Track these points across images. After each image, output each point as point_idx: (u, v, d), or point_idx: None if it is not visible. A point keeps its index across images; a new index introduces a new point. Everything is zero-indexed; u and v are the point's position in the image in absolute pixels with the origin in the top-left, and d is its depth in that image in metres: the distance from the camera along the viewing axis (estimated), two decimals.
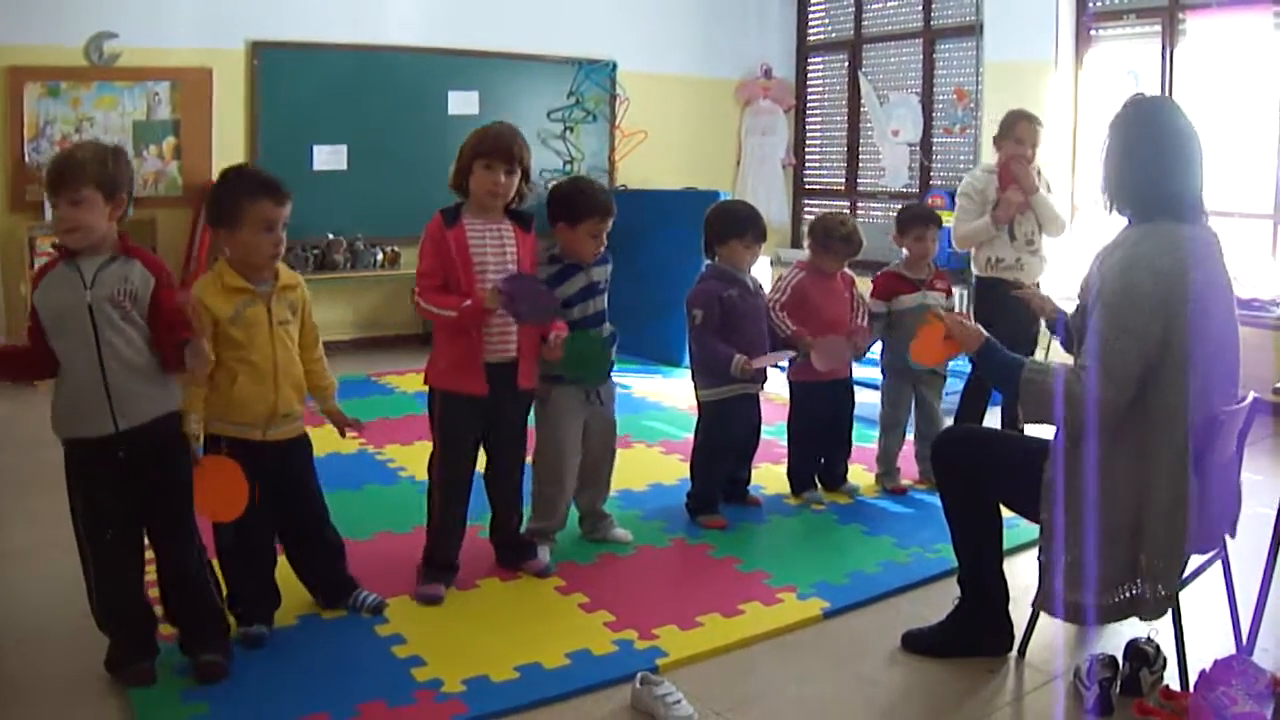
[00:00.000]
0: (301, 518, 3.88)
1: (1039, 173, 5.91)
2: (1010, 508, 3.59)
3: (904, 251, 5.54)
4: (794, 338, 5.08)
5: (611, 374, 4.60)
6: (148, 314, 3.33)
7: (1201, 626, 3.69)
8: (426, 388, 4.23)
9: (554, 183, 4.55)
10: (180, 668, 3.49)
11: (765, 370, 4.96)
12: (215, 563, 3.68)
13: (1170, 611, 3.26)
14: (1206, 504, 3.25)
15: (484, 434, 4.24)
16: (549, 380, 4.39)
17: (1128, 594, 3.24)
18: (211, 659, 3.46)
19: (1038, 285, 5.64)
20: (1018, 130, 5.84)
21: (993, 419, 6.04)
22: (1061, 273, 6.24)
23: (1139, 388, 3.17)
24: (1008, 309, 5.43)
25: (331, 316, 9.15)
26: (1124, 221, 3.36)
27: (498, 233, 4.12)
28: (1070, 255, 6.06)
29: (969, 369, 5.75)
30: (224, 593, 3.69)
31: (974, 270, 6.11)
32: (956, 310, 5.61)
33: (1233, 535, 3.56)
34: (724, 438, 5.04)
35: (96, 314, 3.23)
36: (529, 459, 4.48)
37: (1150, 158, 3.30)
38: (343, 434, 3.97)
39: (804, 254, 5.57)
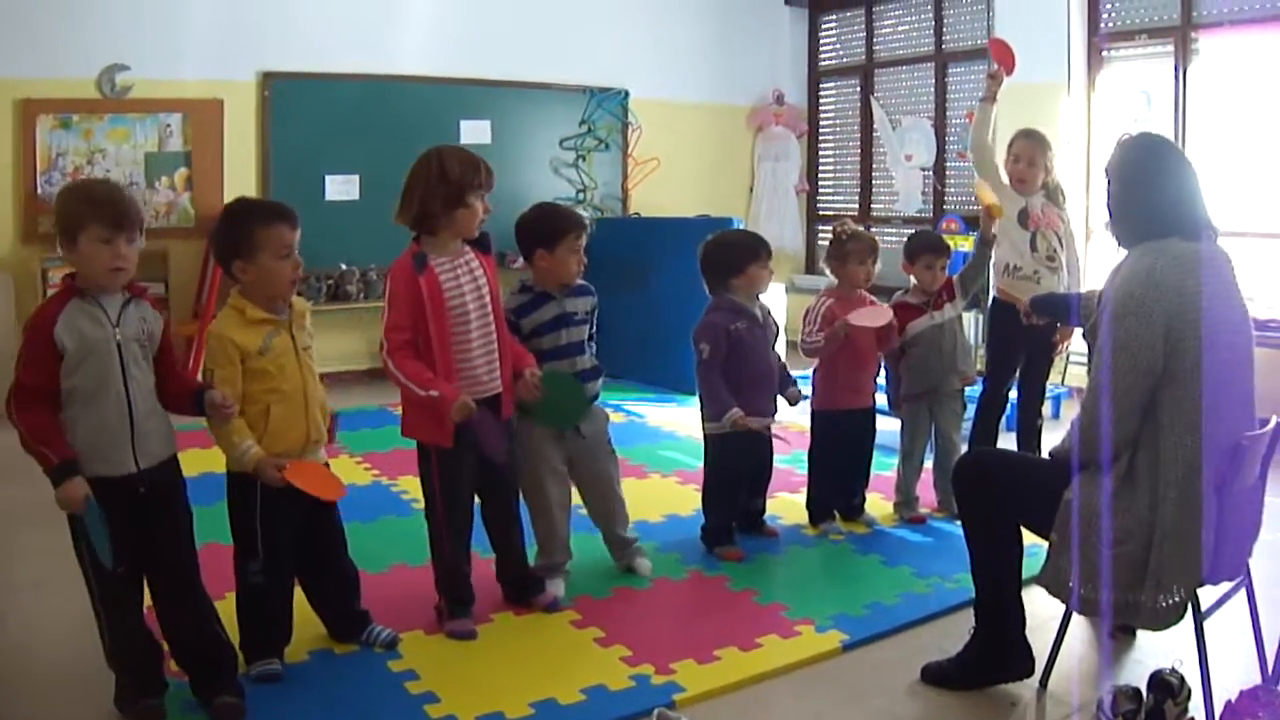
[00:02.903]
0: (324, 546, 3.85)
1: (1059, 189, 5.89)
2: (1030, 529, 3.55)
3: (912, 280, 5.49)
4: (828, 337, 5.05)
5: (587, 410, 4.51)
6: (156, 354, 3.35)
7: (1226, 656, 3.64)
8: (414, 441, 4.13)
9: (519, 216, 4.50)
10: (189, 703, 3.45)
11: (771, 414, 4.95)
12: (234, 600, 3.69)
13: (1195, 640, 3.22)
14: (1229, 531, 3.22)
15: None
16: (521, 413, 4.31)
17: (1132, 597, 3.19)
18: (229, 700, 3.42)
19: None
20: (1014, 148, 5.81)
21: (1007, 443, 5.98)
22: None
23: (1150, 397, 3.18)
24: (1023, 332, 5.39)
25: (345, 347, 9.16)
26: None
27: (467, 267, 4.00)
28: (1090, 274, 6.04)
29: (980, 393, 5.73)
30: (239, 632, 3.67)
31: (991, 284, 6.06)
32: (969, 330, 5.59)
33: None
34: (729, 472, 4.99)
35: (125, 352, 3.22)
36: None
37: (1153, 186, 3.34)
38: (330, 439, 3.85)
39: (819, 280, 5.53)
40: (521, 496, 4.44)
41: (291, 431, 3.59)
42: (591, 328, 4.53)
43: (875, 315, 5.08)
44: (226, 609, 3.65)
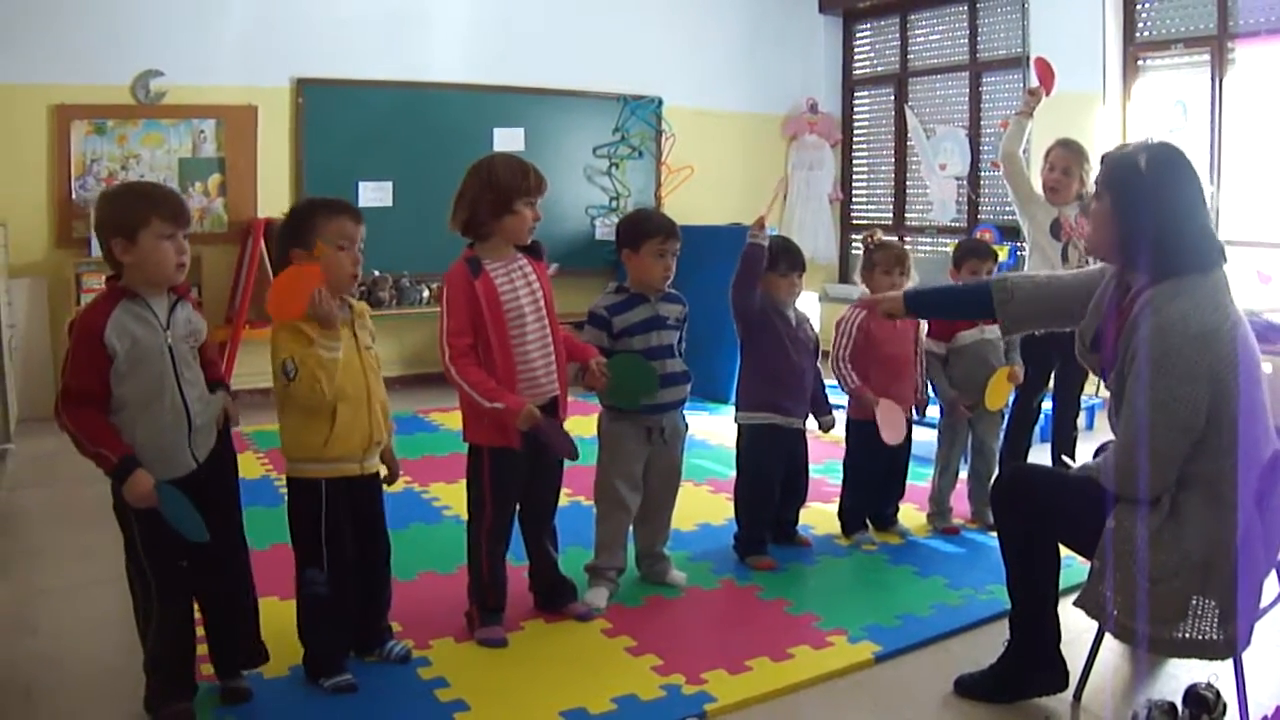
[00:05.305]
0: (377, 554, 3.85)
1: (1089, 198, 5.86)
2: (1071, 549, 3.50)
3: None
4: (858, 392, 5.07)
5: (682, 406, 4.58)
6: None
7: (1263, 670, 3.60)
8: (467, 445, 4.16)
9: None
10: (218, 707, 3.46)
11: (801, 417, 5.00)
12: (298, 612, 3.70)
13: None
14: (1270, 542, 3.17)
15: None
16: (610, 412, 4.42)
17: (1187, 634, 3.13)
18: (241, 685, 3.53)
19: None
20: (1051, 156, 5.82)
21: (1041, 454, 5.94)
22: None
23: (1199, 440, 3.10)
24: (1054, 342, 5.36)
25: (379, 353, 9.15)
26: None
27: (521, 272, 4.03)
28: None
29: (1011, 403, 5.68)
30: (303, 644, 3.69)
31: None
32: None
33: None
34: (763, 467, 4.95)
35: (176, 355, 3.23)
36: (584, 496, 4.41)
37: (1172, 211, 3.23)
38: (389, 482, 3.89)
39: (853, 290, 5.50)
40: (593, 495, 4.54)
41: (355, 434, 3.58)
42: (681, 335, 4.56)
43: (891, 421, 5.09)
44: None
